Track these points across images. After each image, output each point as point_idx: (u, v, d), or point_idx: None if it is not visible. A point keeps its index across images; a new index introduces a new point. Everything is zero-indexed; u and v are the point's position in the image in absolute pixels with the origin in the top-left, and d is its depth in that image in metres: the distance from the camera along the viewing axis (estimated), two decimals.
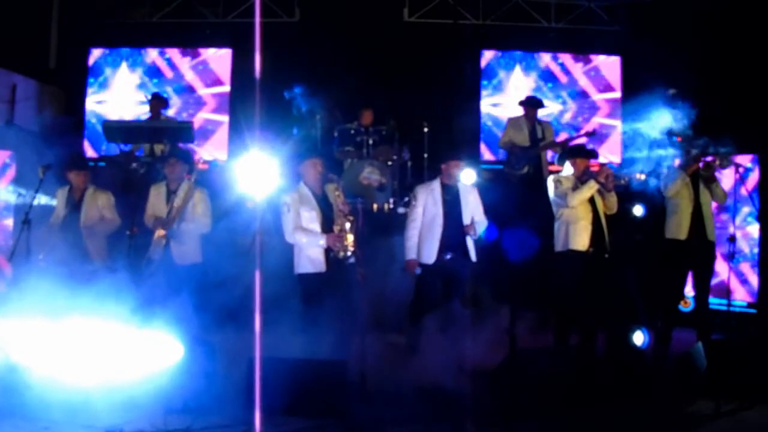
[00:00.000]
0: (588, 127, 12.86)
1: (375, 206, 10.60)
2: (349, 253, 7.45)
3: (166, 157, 8.81)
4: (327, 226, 7.52)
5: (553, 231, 8.31)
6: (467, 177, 10.45)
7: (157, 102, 11.23)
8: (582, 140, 11.12)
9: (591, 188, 8.04)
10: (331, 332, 7.33)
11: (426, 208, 8.18)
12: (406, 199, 10.76)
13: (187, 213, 8.20)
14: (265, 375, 6.29)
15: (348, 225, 7.47)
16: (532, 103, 11.37)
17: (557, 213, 8.24)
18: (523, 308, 8.47)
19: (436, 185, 8.27)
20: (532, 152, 11.04)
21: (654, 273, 8.93)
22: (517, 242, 8.77)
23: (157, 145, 10.13)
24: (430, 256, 8.05)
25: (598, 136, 12.44)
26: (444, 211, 8.12)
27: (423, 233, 8.13)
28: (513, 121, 11.37)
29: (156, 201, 8.39)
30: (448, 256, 8.05)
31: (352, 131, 11.28)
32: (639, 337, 7.88)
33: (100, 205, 8.57)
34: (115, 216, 8.62)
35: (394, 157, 11.16)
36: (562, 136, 12.45)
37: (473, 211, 8.28)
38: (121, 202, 8.81)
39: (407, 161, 11.31)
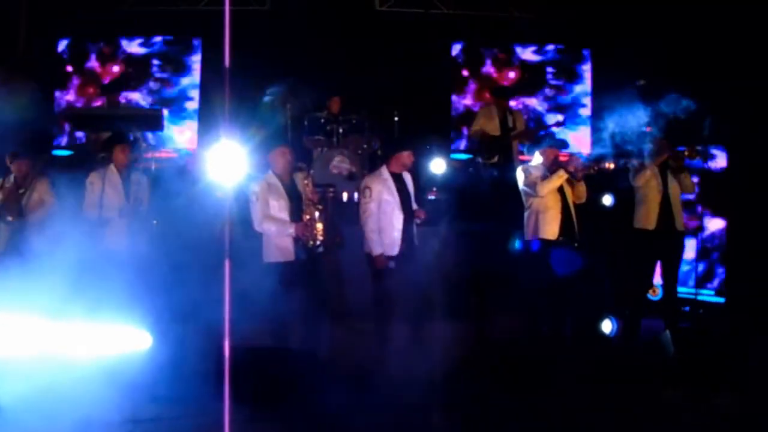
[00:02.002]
0: (558, 118, 12.96)
1: (345, 195, 10.57)
2: (318, 242, 7.41)
3: (113, 143, 8.51)
4: (296, 215, 7.47)
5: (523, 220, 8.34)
6: (437, 166, 10.48)
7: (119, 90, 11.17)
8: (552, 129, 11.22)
9: (560, 177, 8.07)
10: (300, 321, 7.35)
11: (381, 199, 7.85)
12: None
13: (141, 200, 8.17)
14: (234, 364, 6.28)
15: (317, 214, 7.42)
16: (500, 94, 11.40)
17: (526, 202, 8.26)
18: (492, 297, 8.53)
19: (386, 175, 7.96)
20: (503, 142, 11.07)
21: (623, 262, 9.01)
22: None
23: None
24: (393, 247, 7.80)
25: (567, 125, 12.53)
26: (401, 202, 7.86)
27: (382, 225, 7.84)
28: (484, 110, 11.36)
29: (108, 188, 8.10)
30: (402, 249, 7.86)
31: (322, 120, 11.26)
32: (607, 326, 7.94)
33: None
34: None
35: (365, 146, 11.16)
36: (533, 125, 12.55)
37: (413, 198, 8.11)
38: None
39: (377, 150, 11.27)
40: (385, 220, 7.85)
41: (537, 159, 8.40)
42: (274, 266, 7.48)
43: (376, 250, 7.79)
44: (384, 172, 7.99)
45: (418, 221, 7.97)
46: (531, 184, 8.15)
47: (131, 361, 6.32)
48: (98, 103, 12.81)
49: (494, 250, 9.42)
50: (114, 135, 8.67)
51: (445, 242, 8.37)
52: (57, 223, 8.04)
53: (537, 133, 11.04)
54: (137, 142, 8.94)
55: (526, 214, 8.27)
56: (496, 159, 10.99)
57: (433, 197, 10.82)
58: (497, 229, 9.60)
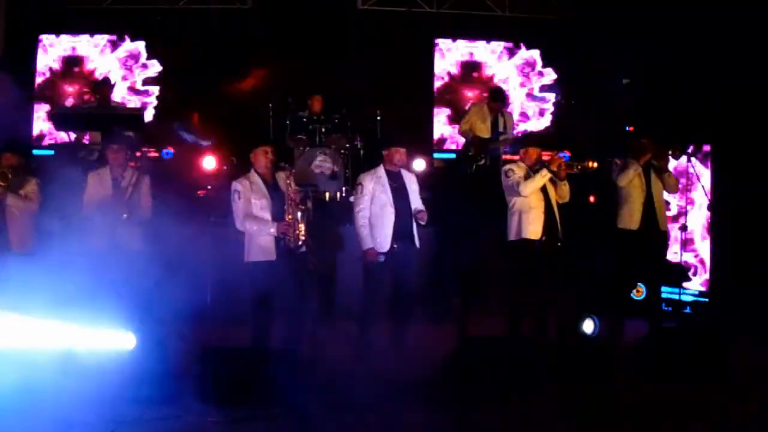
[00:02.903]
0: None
1: (327, 195, 10.62)
2: (300, 242, 7.42)
3: (108, 143, 8.58)
4: (278, 214, 7.47)
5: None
6: (418, 165, 10.53)
7: (104, 88, 11.15)
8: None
9: (543, 177, 8.09)
10: (282, 321, 7.40)
11: (374, 196, 8.08)
12: None
13: (135, 200, 8.16)
14: (217, 364, 6.35)
15: (299, 214, 7.43)
16: (497, 98, 11.40)
17: (509, 202, 8.27)
18: (474, 297, 8.60)
19: (381, 172, 8.18)
20: (492, 145, 11.12)
21: (606, 262, 9.07)
22: None
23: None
24: (382, 245, 7.98)
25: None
26: (394, 199, 8.06)
27: (372, 222, 8.03)
28: (476, 109, 11.38)
29: (100, 188, 8.24)
30: (395, 246, 7.97)
31: (305, 119, 11.28)
32: (589, 326, 8.00)
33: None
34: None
35: (347, 146, 11.19)
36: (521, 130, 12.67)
37: (416, 198, 8.23)
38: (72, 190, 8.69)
39: (360, 150, 11.32)
40: (377, 216, 8.07)
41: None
42: (255, 265, 7.49)
43: (366, 245, 8.03)
44: (379, 169, 8.22)
45: (422, 222, 8.09)
46: (514, 184, 8.15)
47: (115, 361, 6.34)
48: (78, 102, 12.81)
49: (477, 250, 9.53)
50: (108, 134, 8.77)
51: (429, 243, 8.41)
52: (41, 223, 8.14)
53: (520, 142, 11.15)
54: (132, 140, 8.93)
55: (509, 214, 8.28)
56: (483, 162, 11.06)
57: None
58: (481, 229, 9.70)
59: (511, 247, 8.24)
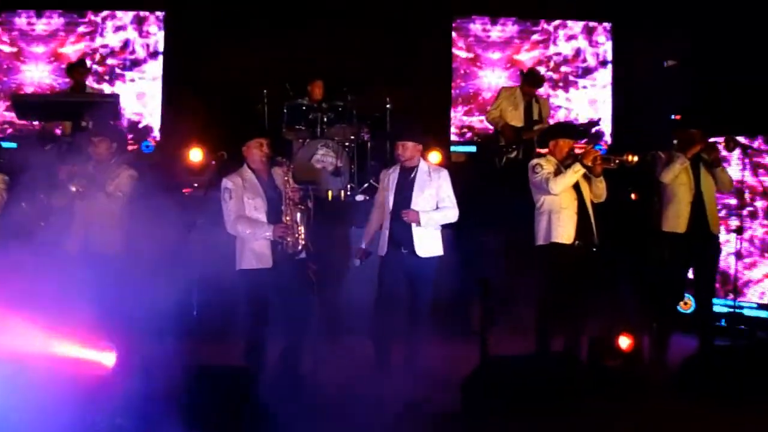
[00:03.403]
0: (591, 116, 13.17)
1: (330, 193, 10.74)
2: (299, 247, 7.48)
3: (90, 135, 8.58)
4: (274, 215, 7.54)
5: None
6: (433, 158, 10.62)
7: (79, 70, 11.27)
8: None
9: (576, 173, 8.06)
10: (279, 337, 7.49)
11: (382, 194, 8.31)
12: (366, 185, 10.93)
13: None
14: (205, 386, 6.43)
15: (299, 215, 7.48)
16: (532, 80, 11.50)
17: (537, 202, 8.30)
18: (497, 309, 8.65)
19: (396, 169, 8.30)
20: (525, 136, 11.21)
21: (649, 270, 9.09)
22: None
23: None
24: (382, 248, 8.13)
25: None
26: (393, 198, 8.15)
27: (383, 223, 8.19)
28: (506, 93, 11.48)
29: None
30: (404, 251, 8.04)
31: (304, 107, 11.39)
32: (626, 342, 8.04)
33: None
34: None
35: (352, 137, 11.27)
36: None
37: (434, 198, 8.17)
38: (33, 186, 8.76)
39: (367, 142, 11.43)
40: (379, 215, 8.32)
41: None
42: (248, 274, 7.55)
43: (360, 243, 8.46)
44: (397, 165, 8.36)
45: (406, 221, 8.01)
46: (542, 181, 8.16)
47: (89, 381, 6.42)
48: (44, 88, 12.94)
49: (502, 257, 9.59)
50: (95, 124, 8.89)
51: (446, 250, 8.46)
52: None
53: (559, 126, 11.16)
54: (119, 130, 9.03)
55: (537, 214, 8.33)
56: (515, 154, 11.10)
57: None
58: (505, 232, 9.78)
59: (540, 252, 8.27)
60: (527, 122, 11.21)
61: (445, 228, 8.33)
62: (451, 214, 8.23)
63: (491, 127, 11.71)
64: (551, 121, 11.71)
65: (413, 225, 7.97)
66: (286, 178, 7.61)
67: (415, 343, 8.14)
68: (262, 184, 7.68)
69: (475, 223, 9.89)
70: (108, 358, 6.53)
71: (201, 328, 8.54)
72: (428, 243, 8.08)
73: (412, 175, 8.18)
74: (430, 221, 8.04)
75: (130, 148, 10.99)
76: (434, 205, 8.13)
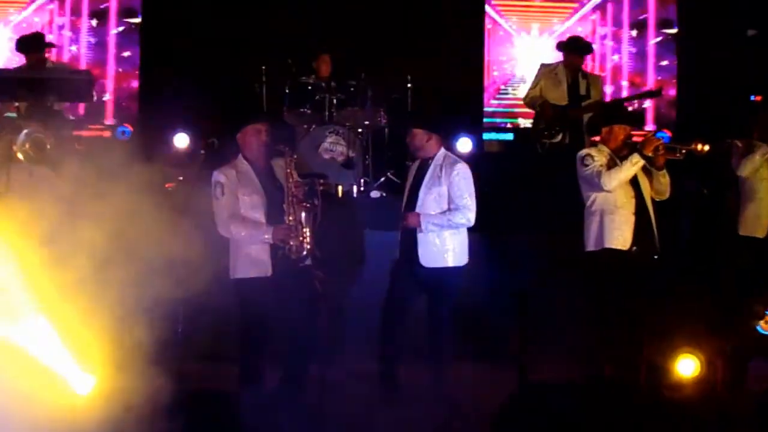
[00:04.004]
0: (650, 84, 13.10)
1: (340, 189, 10.74)
2: (304, 253, 7.50)
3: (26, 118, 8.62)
4: (274, 214, 7.55)
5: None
6: (463, 146, 10.63)
7: (38, 46, 11.31)
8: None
9: (634, 165, 8.01)
10: (280, 358, 7.52)
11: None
12: (382, 179, 10.95)
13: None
14: (193, 414, 6.46)
15: (303, 214, 7.50)
16: (576, 47, 11.46)
17: (588, 199, 8.27)
18: (538, 328, 8.65)
19: (416, 162, 8.34)
20: (571, 115, 11.14)
21: (722, 281, 9.07)
22: None
23: None
24: (395, 253, 8.27)
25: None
26: (406, 196, 8.24)
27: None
28: (546, 70, 11.43)
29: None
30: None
31: (310, 87, 11.40)
32: (692, 367, 8.01)
33: None
34: None
35: (366, 123, 11.32)
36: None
37: (444, 198, 8.06)
38: None
39: (384, 128, 11.47)
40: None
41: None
42: (243, 284, 7.56)
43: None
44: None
45: (408, 226, 8.04)
46: (593, 175, 8.11)
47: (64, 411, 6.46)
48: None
49: (544, 266, 9.58)
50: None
51: (476, 257, 8.46)
52: None
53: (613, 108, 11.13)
54: (59, 114, 9.04)
55: (587, 215, 8.30)
56: (559, 138, 11.04)
57: None
58: (548, 237, 9.79)
59: (590, 260, 8.27)
60: (573, 100, 11.15)
61: (475, 231, 8.33)
62: (459, 218, 8.03)
63: (530, 111, 11.69)
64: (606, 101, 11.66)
65: (418, 230, 7.97)
66: (288, 170, 7.61)
67: (436, 366, 8.11)
68: (260, 178, 7.69)
69: (511, 226, 9.91)
70: (83, 384, 6.58)
71: (187, 348, 8.55)
72: (433, 251, 8.01)
73: (425, 169, 8.17)
74: (434, 226, 7.96)
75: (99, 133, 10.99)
76: (444, 206, 8.04)
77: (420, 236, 7.95)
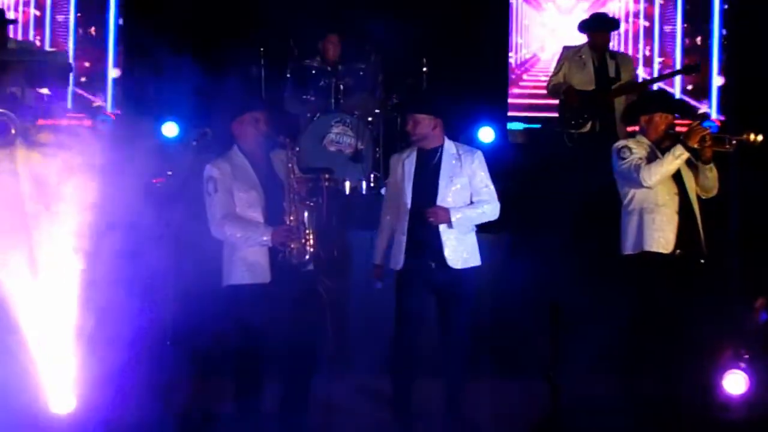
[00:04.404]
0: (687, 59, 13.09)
1: (347, 185, 10.79)
2: (307, 257, 7.43)
3: None
4: (273, 214, 7.50)
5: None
6: (485, 135, 10.61)
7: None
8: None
9: (677, 158, 7.95)
10: (278, 375, 7.50)
11: (395, 187, 8.05)
12: None
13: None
14: None
15: (306, 214, 7.45)
16: (600, 24, 11.45)
17: (625, 196, 8.24)
18: (571, 340, 8.64)
19: (412, 153, 8.06)
20: (600, 100, 11.12)
21: None
22: None
23: None
24: (397, 259, 7.95)
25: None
26: (414, 191, 7.93)
27: (394, 225, 8.01)
28: (570, 53, 11.44)
29: None
30: (432, 264, 7.88)
31: (314, 71, 11.43)
32: (738, 383, 7.96)
33: None
34: None
35: (377, 111, 11.34)
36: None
37: (467, 189, 7.98)
38: None
39: (397, 117, 11.33)
40: (395, 218, 8.03)
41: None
42: (239, 291, 7.50)
43: (374, 259, 8.22)
44: (412, 148, 8.14)
45: (432, 222, 7.82)
46: (631, 169, 8.07)
47: None
48: None
49: (576, 270, 9.57)
50: None
51: (501, 261, 8.45)
52: None
53: (651, 85, 11.10)
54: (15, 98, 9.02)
55: (624, 213, 8.28)
56: (588, 127, 11.01)
57: None
58: (581, 238, 9.77)
59: (628, 265, 8.25)
60: (601, 84, 11.15)
61: (499, 231, 8.31)
62: (491, 210, 8.03)
63: (555, 99, 11.66)
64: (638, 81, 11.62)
65: (441, 227, 7.81)
66: (289, 165, 7.57)
67: (455, 381, 8.01)
68: (258, 173, 7.64)
69: (539, 225, 9.90)
70: (63, 404, 6.59)
71: (177, 361, 8.53)
72: (464, 250, 7.93)
73: (436, 160, 7.99)
74: (465, 221, 7.88)
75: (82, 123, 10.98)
76: (468, 198, 7.96)
77: (447, 233, 7.81)
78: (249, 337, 7.43)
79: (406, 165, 7.99)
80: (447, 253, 7.81)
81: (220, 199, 7.52)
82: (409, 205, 7.87)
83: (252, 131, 7.69)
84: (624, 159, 8.17)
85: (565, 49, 11.66)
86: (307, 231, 7.48)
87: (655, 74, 13.24)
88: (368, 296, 9.24)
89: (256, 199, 7.56)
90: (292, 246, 7.42)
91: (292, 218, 7.47)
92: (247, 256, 7.50)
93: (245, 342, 7.46)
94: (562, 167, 11.08)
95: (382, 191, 10.48)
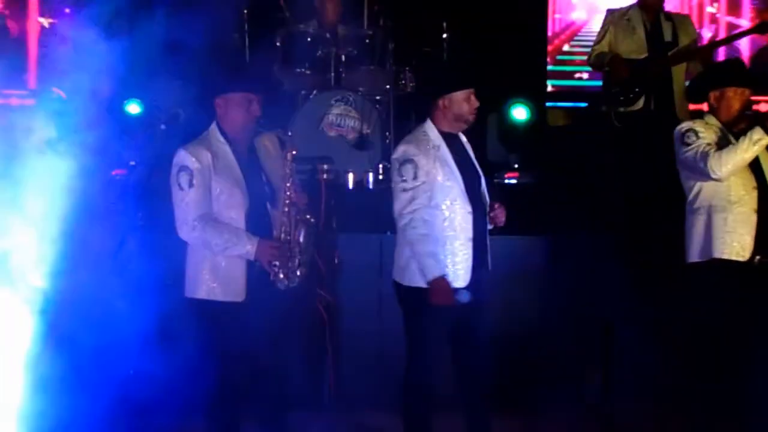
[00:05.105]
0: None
1: (351, 177, 10.71)
2: (293, 278, 7.31)
3: None
4: (256, 218, 7.38)
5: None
6: (519, 114, 10.61)
7: None
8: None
9: (755, 144, 7.83)
10: (254, 412, 7.48)
11: (435, 183, 7.65)
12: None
13: None
14: None
15: (303, 232, 7.34)
16: None
17: (691, 190, 8.13)
18: (626, 363, 8.62)
19: (437, 138, 7.78)
20: (655, 70, 11.03)
21: None
22: None
23: None
24: (462, 272, 7.61)
25: None
26: (465, 186, 7.70)
27: (436, 231, 7.60)
28: (617, 17, 11.36)
29: None
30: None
31: (309, 38, 11.42)
32: None
33: None
34: None
35: (387, 87, 11.31)
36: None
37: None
38: None
39: (411, 94, 11.38)
40: (442, 220, 7.68)
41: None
42: (205, 309, 7.38)
43: (433, 271, 7.56)
44: (430, 130, 7.83)
45: (491, 226, 7.81)
46: (698, 157, 7.95)
47: None
48: None
49: (630, 281, 9.54)
50: None
51: (539, 269, 8.42)
52: None
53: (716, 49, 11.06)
54: None
55: (689, 212, 8.18)
56: (640, 104, 10.94)
57: (511, 180, 11.02)
58: (635, 242, 9.75)
59: (695, 274, 8.16)
60: (655, 51, 11.05)
61: (533, 233, 8.29)
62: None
63: (597, 71, 11.68)
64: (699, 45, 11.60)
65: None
66: (287, 170, 7.41)
67: (478, 418, 7.88)
68: (242, 167, 7.46)
69: (586, 226, 9.87)
70: None
71: (142, 391, 8.48)
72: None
73: (464, 147, 7.97)
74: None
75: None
76: None
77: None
78: (221, 365, 7.30)
79: (443, 152, 7.74)
80: (488, 259, 7.85)
81: (196, 195, 7.28)
82: (470, 207, 7.66)
83: (241, 115, 7.45)
84: (689, 145, 8.04)
85: (610, 12, 11.60)
86: (301, 253, 7.37)
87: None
88: (374, 313, 9.27)
89: (239, 199, 7.35)
90: (277, 267, 7.29)
91: (283, 233, 7.36)
92: (218, 266, 7.34)
93: (216, 371, 7.31)
94: (611, 154, 11.02)
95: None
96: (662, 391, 8.65)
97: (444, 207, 7.61)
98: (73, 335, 7.39)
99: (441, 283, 7.49)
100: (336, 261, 8.05)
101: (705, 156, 7.90)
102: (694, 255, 8.10)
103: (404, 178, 7.62)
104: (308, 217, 7.43)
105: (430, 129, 7.78)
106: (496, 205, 7.77)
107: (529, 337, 9.10)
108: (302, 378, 7.53)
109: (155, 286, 7.98)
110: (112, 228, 8.47)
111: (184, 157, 7.34)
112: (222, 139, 7.47)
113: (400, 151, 7.78)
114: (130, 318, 8.18)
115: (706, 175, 7.95)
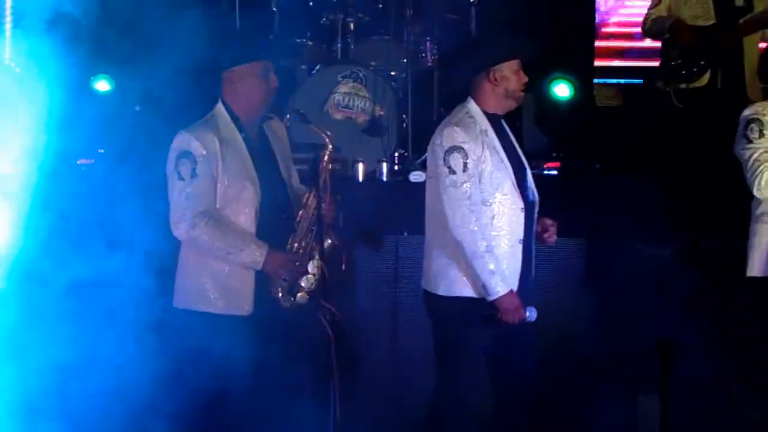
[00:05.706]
0: None
1: (360, 168, 10.76)
2: (303, 295, 7.34)
3: None
4: (266, 221, 7.40)
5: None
6: (561, 91, 10.71)
7: None
8: None
9: None
10: None
11: (484, 175, 7.55)
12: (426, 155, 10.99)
13: None
14: None
15: (320, 248, 7.31)
16: None
17: (757, 191, 8.07)
18: (687, 391, 8.74)
19: (483, 121, 7.67)
20: (723, 40, 10.99)
21: None
22: None
23: None
24: (513, 276, 7.55)
25: None
26: (517, 179, 7.62)
27: (503, 235, 7.56)
28: None
29: None
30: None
31: (311, 2, 11.55)
32: None
33: None
34: None
35: (403, 61, 11.40)
36: None
37: None
38: None
39: (432, 70, 11.54)
40: (490, 217, 7.58)
41: None
42: (204, 323, 7.37)
43: (497, 288, 7.45)
44: (477, 114, 7.71)
45: (549, 239, 7.82)
46: (750, 164, 8.00)
47: None
48: None
49: (684, 296, 9.62)
50: None
51: (579, 277, 8.52)
52: None
53: None
54: None
55: (753, 219, 8.23)
56: (706, 79, 10.96)
57: (551, 171, 11.23)
58: (692, 250, 9.85)
59: (756, 292, 8.22)
60: (724, 17, 10.98)
61: (572, 237, 8.37)
62: None
63: (655, 41, 11.67)
64: None
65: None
66: (323, 176, 7.38)
67: None
68: (256, 157, 7.42)
69: (635, 228, 9.94)
70: None
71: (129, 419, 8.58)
72: None
73: (507, 133, 7.90)
74: None
75: None
76: None
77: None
78: (216, 387, 7.28)
79: (490, 140, 7.63)
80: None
81: (200, 187, 7.25)
82: (523, 204, 7.61)
83: (260, 89, 7.41)
84: (749, 142, 8.07)
85: None
86: (315, 268, 7.39)
87: None
88: (389, 328, 9.35)
89: (250, 195, 7.34)
90: (284, 281, 7.34)
91: (299, 246, 7.38)
92: (220, 274, 7.34)
93: (210, 396, 7.31)
94: (669, 139, 11.11)
95: (412, 177, 10.51)
96: (734, 416, 8.74)
97: (493, 202, 7.52)
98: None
99: (510, 298, 7.43)
100: (343, 267, 8.08)
101: (756, 168, 7.96)
102: (755, 268, 8.13)
103: (454, 169, 7.44)
104: (332, 233, 7.46)
105: (475, 110, 7.66)
106: (549, 222, 7.71)
107: (567, 356, 9.14)
108: (304, 407, 7.56)
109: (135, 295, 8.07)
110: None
111: (187, 140, 7.29)
112: (232, 123, 7.40)
113: (446, 134, 7.58)
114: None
115: (749, 185, 8.00)
